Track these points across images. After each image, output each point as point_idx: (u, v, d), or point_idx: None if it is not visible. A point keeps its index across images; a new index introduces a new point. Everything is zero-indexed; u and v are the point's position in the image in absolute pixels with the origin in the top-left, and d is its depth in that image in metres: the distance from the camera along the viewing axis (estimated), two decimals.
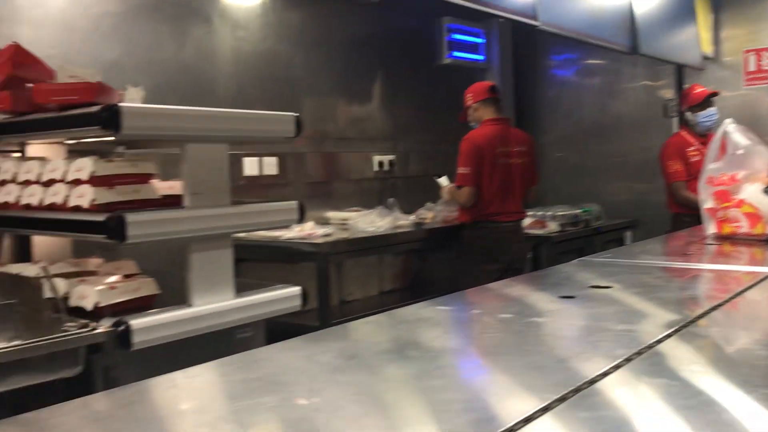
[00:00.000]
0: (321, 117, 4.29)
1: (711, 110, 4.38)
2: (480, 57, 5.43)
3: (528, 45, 5.96)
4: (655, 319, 1.44)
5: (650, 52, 4.67)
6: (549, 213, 4.91)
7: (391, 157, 4.66)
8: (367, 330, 1.39)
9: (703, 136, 4.29)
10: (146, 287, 2.27)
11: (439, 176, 4.07)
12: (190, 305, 2.20)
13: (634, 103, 5.60)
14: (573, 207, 5.12)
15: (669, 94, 5.41)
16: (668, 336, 1.23)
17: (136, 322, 2.00)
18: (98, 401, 1.07)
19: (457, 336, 1.34)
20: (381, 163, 4.59)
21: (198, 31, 3.58)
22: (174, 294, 2.35)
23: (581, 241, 5.02)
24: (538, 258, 4.71)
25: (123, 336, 1.96)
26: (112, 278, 2.29)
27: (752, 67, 5.39)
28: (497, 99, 4.05)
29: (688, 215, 4.02)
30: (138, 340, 1.99)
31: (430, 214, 4.40)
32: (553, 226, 4.81)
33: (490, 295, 1.74)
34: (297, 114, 2.51)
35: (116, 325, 1.96)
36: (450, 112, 5.33)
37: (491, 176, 3.86)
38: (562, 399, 0.90)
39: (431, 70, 5.12)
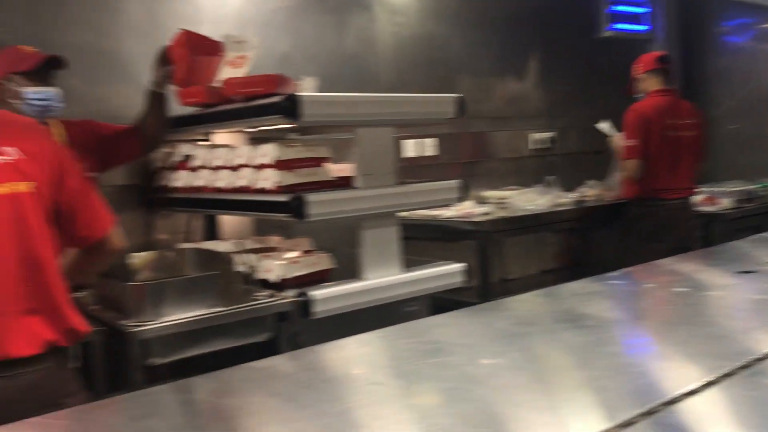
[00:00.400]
0: (478, 96, 4.31)
1: None
2: (643, 28, 5.20)
3: (696, 13, 5.61)
4: None
5: None
6: (721, 189, 4.63)
7: (549, 134, 4.61)
8: (539, 301, 1.44)
9: None
10: (323, 262, 2.45)
11: (603, 123, 3.93)
12: (362, 279, 2.35)
13: None
14: (748, 182, 4.79)
15: None
16: None
17: (317, 293, 2.18)
18: (284, 361, 1.20)
19: (629, 308, 1.36)
20: (539, 141, 4.55)
21: (359, 20, 3.74)
22: (345, 270, 2.51)
23: (758, 219, 4.68)
24: (709, 236, 4.47)
25: (305, 306, 2.14)
26: (293, 253, 2.49)
27: None
28: (666, 70, 3.87)
29: None
30: (318, 310, 2.16)
31: (593, 192, 4.31)
32: (726, 203, 4.53)
33: (662, 270, 1.72)
34: (460, 95, 2.58)
35: (299, 295, 2.15)
36: (610, 86, 5.16)
37: (659, 149, 3.70)
38: (729, 374, 0.90)
39: (590, 44, 4.98)
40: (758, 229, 4.66)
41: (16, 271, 1.49)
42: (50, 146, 1.61)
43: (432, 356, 1.05)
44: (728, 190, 4.60)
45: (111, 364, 1.95)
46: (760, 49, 5.43)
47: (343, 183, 2.44)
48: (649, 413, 0.78)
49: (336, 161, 2.91)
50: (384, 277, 2.37)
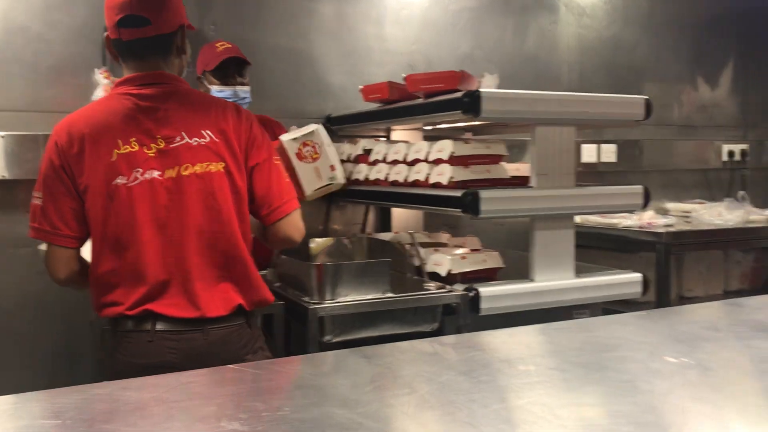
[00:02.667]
0: (664, 103, 4.09)
1: None
2: None
3: None
4: None
5: None
6: None
7: (742, 146, 4.27)
8: (728, 310, 1.35)
9: None
10: (492, 260, 2.45)
11: None
12: (532, 280, 2.32)
13: None
14: None
15: None
16: None
17: (485, 290, 2.18)
18: (440, 342, 1.21)
19: None
20: (731, 153, 4.23)
21: (544, 21, 3.69)
22: (513, 271, 2.49)
23: None
24: None
25: (473, 301, 2.15)
26: (462, 250, 2.51)
27: None
28: None
29: None
30: (486, 306, 2.16)
31: None
32: None
33: None
34: (646, 97, 2.47)
35: (468, 290, 2.16)
36: None
37: None
38: None
39: None
40: None
41: (212, 244, 1.65)
42: (242, 126, 1.73)
43: (609, 350, 1.02)
44: None
45: (288, 337, 2.08)
46: None
47: (519, 182, 2.43)
48: None
49: (513, 161, 2.90)
50: (554, 280, 2.33)
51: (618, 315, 1.29)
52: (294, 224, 1.77)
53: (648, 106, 2.44)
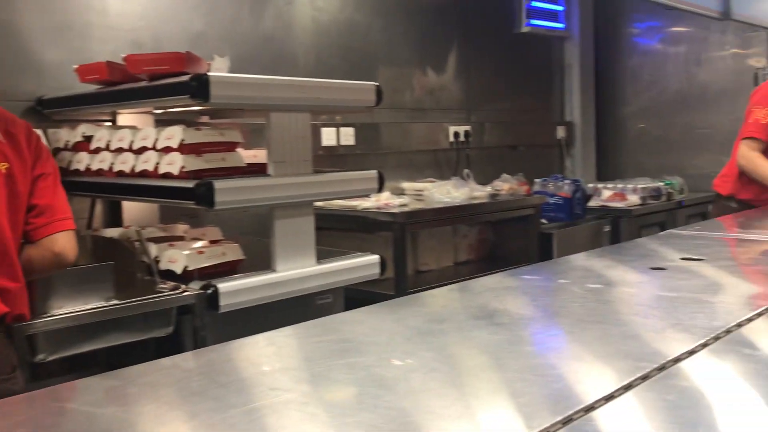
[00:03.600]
0: (397, 87, 4.27)
1: None
2: (559, 25, 5.30)
3: (609, 13, 5.76)
4: (748, 295, 1.40)
5: (743, 17, 4.44)
6: (630, 186, 4.78)
7: (466, 127, 4.62)
8: (454, 296, 1.40)
9: None
10: (232, 252, 2.34)
11: None
12: (273, 270, 2.26)
13: (723, 72, 5.35)
14: (655, 180, 4.97)
15: (761, 62, 5.15)
16: (761, 314, 1.19)
17: (224, 285, 2.07)
18: (186, 360, 1.11)
19: (544, 304, 1.33)
20: (456, 134, 4.55)
21: (279, 1, 3.62)
22: (256, 260, 2.42)
23: (663, 215, 4.87)
24: (617, 231, 4.61)
25: (211, 298, 2.03)
26: (200, 243, 2.37)
27: None
28: None
29: (738, 201, 3.23)
30: (225, 303, 2.06)
31: (506, 186, 4.35)
32: (633, 199, 4.69)
33: (575, 266, 1.71)
34: (377, 83, 2.52)
35: (205, 288, 2.04)
36: (527, 81, 5.24)
37: None
38: (645, 377, 0.88)
39: (509, 39, 5.03)
40: (662, 226, 4.87)
41: None
42: (33, 135, 1.74)
43: (342, 356, 0.98)
44: (636, 186, 4.76)
45: None
46: (668, 52, 5.62)
47: (256, 170, 2.35)
48: (567, 421, 0.73)
49: (250, 147, 2.80)
50: (296, 269, 2.29)
51: (352, 312, 1.27)
52: (71, 241, 1.71)
53: (379, 93, 2.49)
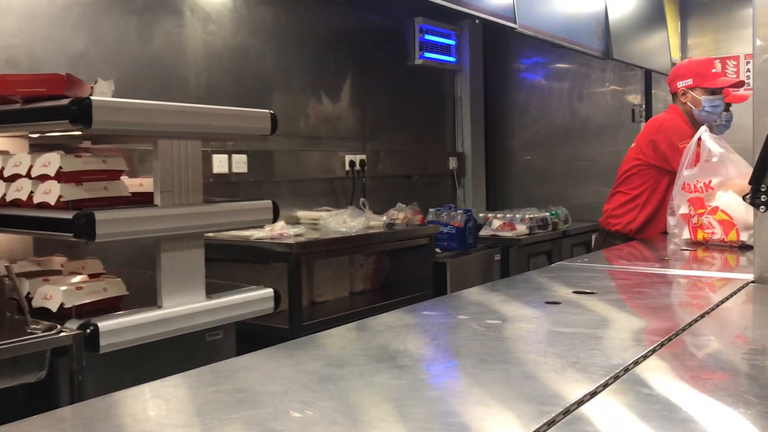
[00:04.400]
0: (292, 114, 4.22)
1: (729, 114, 3.37)
2: (451, 59, 5.43)
3: (498, 48, 5.97)
4: (640, 330, 1.43)
5: (622, 57, 4.72)
6: (518, 215, 4.93)
7: (362, 156, 4.62)
8: (352, 336, 1.35)
9: (694, 130, 2.98)
10: (114, 287, 2.19)
11: None
12: (159, 306, 2.13)
13: (603, 108, 5.65)
14: (541, 210, 5.15)
15: (637, 99, 5.48)
16: (659, 346, 1.22)
17: (105, 324, 1.93)
18: (65, 415, 1.00)
19: (446, 343, 1.30)
20: (352, 162, 4.54)
21: (168, 25, 3.49)
22: (141, 295, 2.28)
23: (549, 244, 5.05)
24: (507, 259, 4.73)
25: (90, 339, 1.88)
26: (78, 278, 2.20)
27: None
28: None
29: (621, 236, 3.32)
30: (106, 343, 1.91)
31: (401, 215, 4.37)
32: (522, 229, 4.83)
33: (472, 301, 1.71)
34: (272, 111, 2.46)
35: (83, 327, 1.89)
36: (421, 112, 5.32)
37: None
38: (551, 423, 0.86)
39: (403, 70, 5.10)
40: (549, 255, 5.05)
41: None
42: None
43: (236, 409, 0.91)
44: (524, 216, 4.91)
45: None
46: (553, 87, 5.89)
47: (142, 199, 2.22)
48: None
49: (137, 174, 2.66)
50: (184, 304, 2.17)
51: (246, 356, 1.19)
52: None
53: (274, 121, 2.43)
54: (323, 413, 0.89)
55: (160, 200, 2.12)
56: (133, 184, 2.31)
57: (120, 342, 1.96)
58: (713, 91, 3.21)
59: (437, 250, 4.25)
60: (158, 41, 3.44)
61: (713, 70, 3.27)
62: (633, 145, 3.43)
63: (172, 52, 3.51)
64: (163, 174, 2.13)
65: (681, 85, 3.26)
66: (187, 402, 0.99)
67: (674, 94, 3.34)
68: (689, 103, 3.24)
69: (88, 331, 1.88)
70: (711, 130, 3.14)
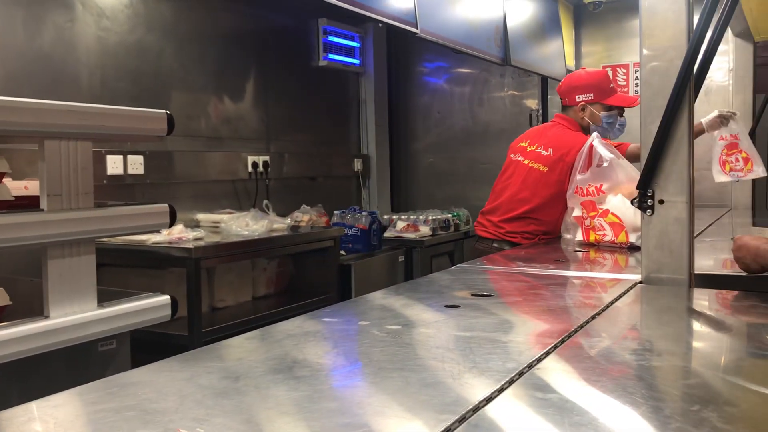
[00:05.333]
0: (192, 114, 4.10)
1: (623, 119, 3.35)
2: (356, 61, 5.44)
3: (401, 52, 6.03)
4: (536, 332, 1.47)
5: (519, 63, 4.86)
6: (421, 217, 4.99)
7: (265, 157, 4.55)
8: (251, 347, 1.32)
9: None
10: None
11: None
12: (47, 316, 2.02)
13: (502, 113, 5.81)
14: (444, 212, 5.24)
15: (534, 104, 5.66)
16: (553, 348, 1.25)
17: None
18: None
19: (346, 351, 1.29)
20: (255, 164, 4.46)
21: (58, 19, 3.31)
22: (27, 304, 2.15)
23: (451, 245, 5.14)
24: (410, 261, 4.78)
25: None
26: None
27: None
28: None
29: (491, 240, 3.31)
30: None
31: (306, 217, 4.34)
32: (425, 230, 4.89)
33: (374, 305, 1.71)
34: (168, 111, 2.38)
35: None
36: (326, 113, 5.30)
37: None
38: (447, 431, 0.87)
39: (307, 71, 5.06)
40: (451, 255, 5.14)
41: None
42: None
43: (122, 429, 0.86)
44: (427, 218, 4.97)
45: None
46: (455, 91, 6.00)
47: (27, 203, 2.09)
48: None
49: (24, 177, 2.51)
50: (74, 314, 2.06)
51: (137, 371, 1.14)
52: None
53: (170, 121, 2.35)
54: (216, 430, 0.86)
55: (47, 204, 2.00)
56: (17, 188, 2.18)
57: (4, 355, 1.84)
58: (610, 107, 3.28)
59: (342, 252, 4.24)
60: (47, 36, 3.26)
61: (611, 85, 3.34)
62: (536, 166, 3.25)
63: (63, 47, 3.34)
64: (50, 176, 2.01)
65: (580, 99, 3.26)
66: (71, 423, 0.93)
67: (568, 106, 3.33)
68: (587, 118, 3.26)
69: None
70: (605, 134, 3.25)
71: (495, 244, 3.30)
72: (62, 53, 3.33)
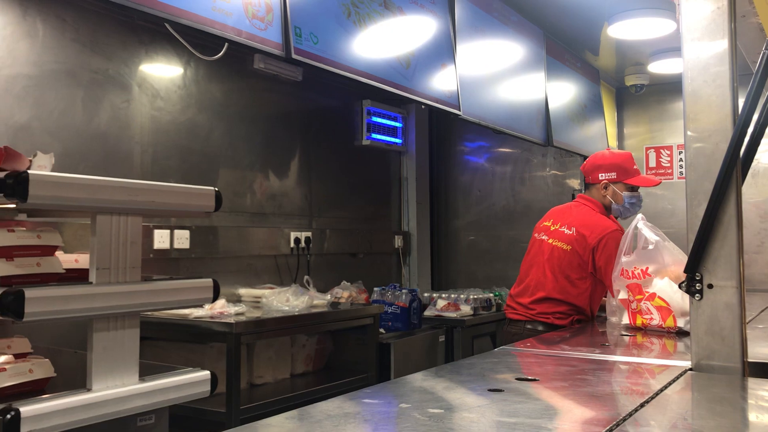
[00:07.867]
0: (237, 190, 4.20)
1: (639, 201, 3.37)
2: (398, 140, 5.54)
3: (443, 131, 6.13)
4: (582, 420, 1.42)
5: (561, 144, 4.89)
6: (462, 296, 4.94)
7: (307, 233, 4.60)
8: (290, 426, 1.30)
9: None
10: (40, 369, 2.08)
11: None
12: (89, 389, 2.03)
13: (544, 192, 5.81)
14: (485, 291, 5.18)
15: (576, 183, 5.66)
16: None
17: (27, 408, 1.82)
18: None
19: None
20: (297, 240, 4.52)
21: (115, 99, 3.47)
22: (71, 377, 2.17)
23: (493, 326, 5.06)
24: (451, 340, 4.70)
25: (11, 425, 1.77)
26: (2, 358, 2.09)
27: (653, 164, 5.73)
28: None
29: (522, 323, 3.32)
30: (28, 430, 1.80)
31: (346, 294, 4.33)
32: (466, 309, 4.84)
33: (414, 387, 1.68)
34: (216, 188, 2.44)
35: (3, 412, 1.77)
36: (367, 191, 5.37)
37: None
38: None
39: (350, 150, 5.16)
40: (493, 336, 5.05)
41: None
42: None
43: None
44: (468, 297, 4.92)
45: None
46: (496, 170, 6.04)
47: (77, 276, 2.14)
48: None
49: (75, 250, 2.57)
50: (115, 387, 2.07)
51: None
52: None
53: (218, 198, 2.41)
54: None
55: (96, 277, 2.05)
56: (68, 260, 2.24)
57: (44, 428, 1.85)
58: (633, 188, 3.30)
59: (381, 330, 4.20)
60: (104, 115, 3.42)
61: (634, 167, 3.36)
62: (559, 244, 3.25)
63: (118, 126, 3.48)
64: (100, 250, 2.06)
65: (603, 177, 3.29)
66: None
67: (591, 184, 3.36)
68: (609, 197, 3.28)
69: (9, 416, 1.77)
70: (626, 214, 3.27)
71: (528, 326, 3.26)
72: (117, 131, 3.48)
